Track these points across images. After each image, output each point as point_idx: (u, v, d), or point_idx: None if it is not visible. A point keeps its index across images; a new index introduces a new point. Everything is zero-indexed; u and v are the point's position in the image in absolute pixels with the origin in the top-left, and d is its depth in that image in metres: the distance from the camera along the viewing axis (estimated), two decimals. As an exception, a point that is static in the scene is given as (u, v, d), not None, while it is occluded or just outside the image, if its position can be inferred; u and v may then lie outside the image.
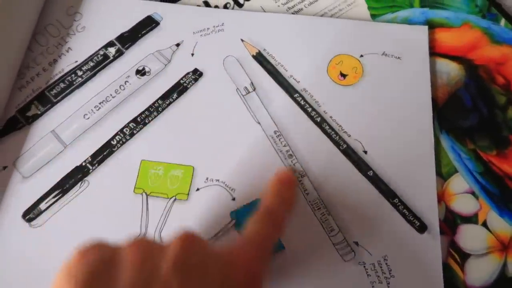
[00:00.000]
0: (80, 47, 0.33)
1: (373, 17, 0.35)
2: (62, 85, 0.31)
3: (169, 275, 0.18)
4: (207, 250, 0.20)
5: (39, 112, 0.31)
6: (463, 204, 0.30)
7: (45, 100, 0.31)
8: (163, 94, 0.31)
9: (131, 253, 0.19)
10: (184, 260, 0.19)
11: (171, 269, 0.18)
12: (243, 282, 0.20)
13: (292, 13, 0.35)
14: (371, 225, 0.28)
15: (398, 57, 0.33)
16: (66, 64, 0.32)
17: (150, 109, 0.31)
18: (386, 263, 0.27)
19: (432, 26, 0.34)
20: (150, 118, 0.31)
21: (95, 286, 0.17)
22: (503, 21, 0.35)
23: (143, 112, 0.31)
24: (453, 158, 0.31)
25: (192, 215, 0.28)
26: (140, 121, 0.30)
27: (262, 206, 0.25)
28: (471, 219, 0.29)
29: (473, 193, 0.30)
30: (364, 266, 0.27)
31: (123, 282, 0.18)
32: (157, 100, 0.31)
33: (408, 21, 0.35)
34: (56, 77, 0.32)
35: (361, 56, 0.33)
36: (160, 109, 0.31)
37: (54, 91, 0.31)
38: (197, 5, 0.35)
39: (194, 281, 0.18)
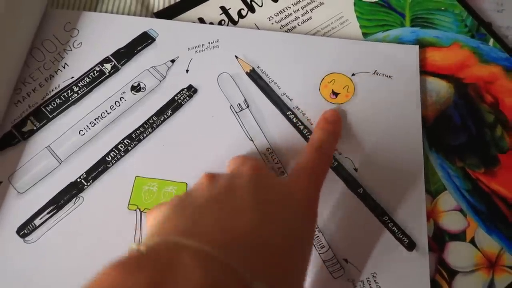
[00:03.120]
0: (77, 63, 0.33)
1: (365, 35, 0.36)
2: (58, 100, 0.32)
3: (244, 191, 0.22)
4: (272, 176, 0.24)
5: (35, 128, 0.31)
6: (452, 221, 0.30)
7: (41, 115, 0.31)
8: (157, 111, 0.32)
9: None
10: (256, 180, 0.23)
11: (246, 186, 0.22)
12: (302, 203, 0.23)
13: (286, 31, 0.35)
14: (360, 242, 0.29)
15: (389, 76, 0.33)
16: (62, 79, 0.33)
17: (145, 125, 0.31)
18: (375, 280, 0.28)
19: (422, 45, 0.35)
20: (144, 135, 0.31)
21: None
22: (491, 41, 0.36)
23: (137, 129, 0.31)
24: (441, 175, 0.31)
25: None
26: (134, 138, 0.31)
27: (311, 139, 0.29)
28: (459, 236, 0.30)
29: (461, 211, 0.30)
30: (353, 283, 0.28)
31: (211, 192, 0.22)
32: (151, 117, 0.31)
33: (399, 40, 0.35)
34: (52, 93, 0.32)
35: (353, 75, 0.33)
36: (154, 125, 0.31)
37: (50, 106, 0.32)
38: (192, 22, 0.35)
39: (264, 197, 0.22)
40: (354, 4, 0.37)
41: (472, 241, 0.30)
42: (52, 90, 0.32)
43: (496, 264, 0.29)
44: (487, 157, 0.32)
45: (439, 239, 0.30)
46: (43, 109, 0.32)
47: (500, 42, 0.36)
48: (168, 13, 0.36)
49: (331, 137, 0.29)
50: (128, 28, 0.34)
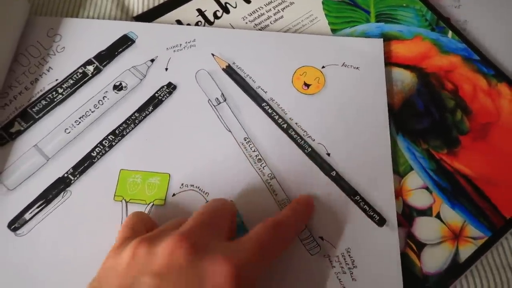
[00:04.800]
0: (60, 66, 0.35)
1: (333, 31, 0.38)
2: (43, 102, 0.33)
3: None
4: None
5: (22, 128, 0.32)
6: (419, 198, 0.32)
7: (28, 116, 0.33)
8: (139, 107, 0.33)
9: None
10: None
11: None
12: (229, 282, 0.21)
13: (259, 29, 0.38)
14: (335, 221, 0.31)
15: (357, 68, 0.36)
16: (47, 82, 0.34)
17: (128, 121, 0.33)
18: (349, 255, 0.30)
19: (387, 38, 0.38)
20: (127, 130, 0.33)
21: None
22: (450, 34, 0.39)
23: (121, 125, 0.33)
24: (408, 157, 0.34)
25: (169, 218, 0.30)
26: (118, 133, 0.33)
27: (276, 214, 0.27)
28: (426, 212, 0.32)
29: (427, 188, 0.33)
30: (329, 259, 0.30)
31: None
32: (134, 113, 0.33)
33: (365, 35, 0.38)
34: (38, 95, 0.34)
35: (323, 67, 0.35)
36: (137, 121, 0.33)
37: (36, 108, 0.33)
38: (170, 24, 0.37)
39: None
40: (322, 2, 0.39)
41: (438, 216, 0.32)
42: (38, 93, 0.34)
43: (460, 235, 0.31)
44: (449, 139, 0.35)
45: (408, 215, 0.32)
46: (29, 110, 0.33)
47: (458, 34, 0.39)
48: (147, 17, 0.38)
49: (298, 217, 0.28)
50: (109, 31, 0.36)
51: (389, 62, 0.37)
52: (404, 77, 0.37)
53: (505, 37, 0.40)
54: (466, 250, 0.31)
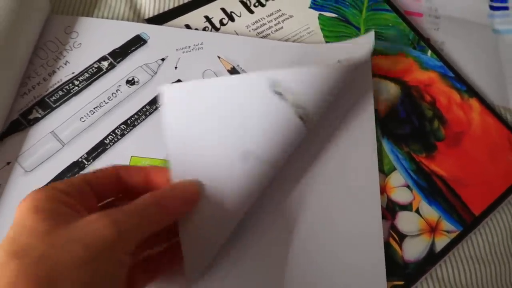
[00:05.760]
0: (76, 60, 0.37)
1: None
2: (60, 92, 0.36)
3: None
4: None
5: (39, 116, 0.35)
6: (401, 195, 0.36)
7: (45, 105, 0.35)
8: (150, 101, 0.36)
9: None
10: None
11: None
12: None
13: (261, 37, 0.41)
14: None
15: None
16: (64, 75, 0.37)
17: (139, 113, 0.36)
18: (339, 241, 0.33)
19: (374, 53, 0.42)
20: (139, 121, 0.35)
21: None
22: (429, 52, 0.43)
23: (132, 116, 0.35)
24: (392, 158, 0.38)
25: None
26: (130, 123, 0.35)
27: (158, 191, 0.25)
28: (407, 207, 0.36)
29: (408, 187, 0.37)
30: (321, 244, 0.33)
31: None
32: (145, 106, 0.36)
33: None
34: (55, 86, 0.36)
35: (318, 74, 0.39)
36: (147, 113, 0.36)
37: (53, 97, 0.36)
38: (180, 28, 0.40)
39: None
40: (318, 18, 0.43)
41: (417, 211, 0.36)
42: (55, 84, 0.36)
43: (436, 229, 0.35)
44: (427, 144, 0.39)
45: (391, 209, 0.36)
46: (47, 99, 0.35)
47: (436, 54, 0.43)
48: (158, 20, 0.41)
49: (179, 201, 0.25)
50: (123, 31, 0.39)
51: (377, 74, 0.41)
52: (390, 88, 0.41)
53: (476, 59, 0.45)
54: (441, 242, 0.35)
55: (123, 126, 0.35)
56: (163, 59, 0.38)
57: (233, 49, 0.39)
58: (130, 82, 0.37)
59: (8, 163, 0.33)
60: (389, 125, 0.39)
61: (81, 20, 0.39)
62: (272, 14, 0.43)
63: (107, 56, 0.38)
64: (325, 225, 0.33)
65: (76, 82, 0.36)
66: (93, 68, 0.37)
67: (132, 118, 0.35)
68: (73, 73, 0.37)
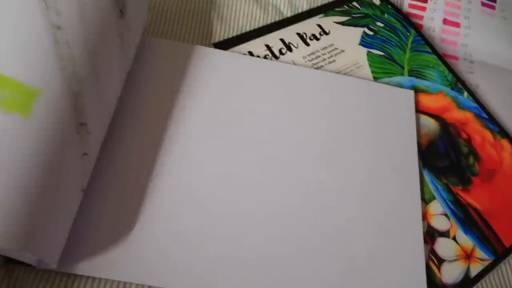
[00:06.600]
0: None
1: (375, 78, 0.46)
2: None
3: None
4: None
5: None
6: (439, 222, 0.40)
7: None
8: (218, 119, 0.40)
9: None
10: None
11: None
12: None
13: (316, 68, 0.45)
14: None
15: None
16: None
17: (208, 129, 0.39)
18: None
19: (416, 90, 0.46)
20: (208, 136, 0.39)
21: None
22: (465, 94, 0.47)
23: (202, 131, 0.39)
24: (432, 188, 0.41)
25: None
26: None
27: None
28: (445, 233, 0.39)
29: (446, 215, 0.40)
30: (371, 261, 0.36)
31: None
32: (214, 123, 0.39)
33: (400, 85, 0.46)
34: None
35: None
36: (216, 130, 0.39)
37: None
38: (243, 54, 0.44)
39: None
40: (367, 54, 0.47)
41: (454, 238, 0.39)
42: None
43: (471, 256, 0.39)
44: (463, 178, 0.42)
45: (431, 235, 0.39)
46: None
47: (472, 95, 0.47)
48: (223, 45, 0.44)
49: None
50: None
51: (419, 110, 0.45)
52: (430, 124, 0.45)
53: (508, 102, 0.49)
54: (475, 268, 0.38)
55: (193, 139, 0.38)
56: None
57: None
58: (200, 99, 0.40)
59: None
60: (429, 157, 0.43)
61: (154, 40, 0.43)
62: (326, 47, 0.46)
63: (179, 74, 0.41)
64: (372, 247, 0.36)
65: (151, 96, 0.40)
66: (166, 84, 0.40)
67: (202, 133, 0.39)
68: (148, 87, 0.40)
